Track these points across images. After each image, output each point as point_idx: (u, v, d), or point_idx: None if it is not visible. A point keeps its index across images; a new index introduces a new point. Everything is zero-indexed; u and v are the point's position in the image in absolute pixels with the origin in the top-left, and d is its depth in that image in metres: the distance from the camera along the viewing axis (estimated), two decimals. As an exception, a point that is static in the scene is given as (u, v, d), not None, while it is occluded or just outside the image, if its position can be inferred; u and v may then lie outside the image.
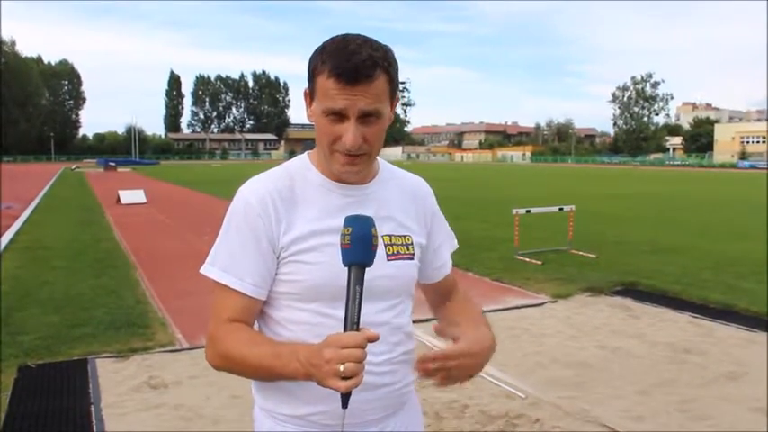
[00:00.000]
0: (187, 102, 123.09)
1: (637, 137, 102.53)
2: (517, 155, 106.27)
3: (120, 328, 5.68)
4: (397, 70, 1.32)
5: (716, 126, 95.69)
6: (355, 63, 1.21)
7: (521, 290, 7.40)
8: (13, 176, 38.26)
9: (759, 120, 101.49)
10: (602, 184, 31.97)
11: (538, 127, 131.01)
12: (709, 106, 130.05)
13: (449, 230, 1.59)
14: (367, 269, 1.17)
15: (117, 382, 4.44)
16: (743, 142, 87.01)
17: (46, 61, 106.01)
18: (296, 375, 1.19)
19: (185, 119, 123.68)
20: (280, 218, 1.33)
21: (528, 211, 10.46)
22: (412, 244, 1.43)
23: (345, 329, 1.13)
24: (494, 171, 54.91)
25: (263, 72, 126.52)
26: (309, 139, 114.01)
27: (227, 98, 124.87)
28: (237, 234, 1.35)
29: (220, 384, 4.35)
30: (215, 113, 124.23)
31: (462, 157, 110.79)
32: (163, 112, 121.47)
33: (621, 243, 10.95)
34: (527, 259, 9.17)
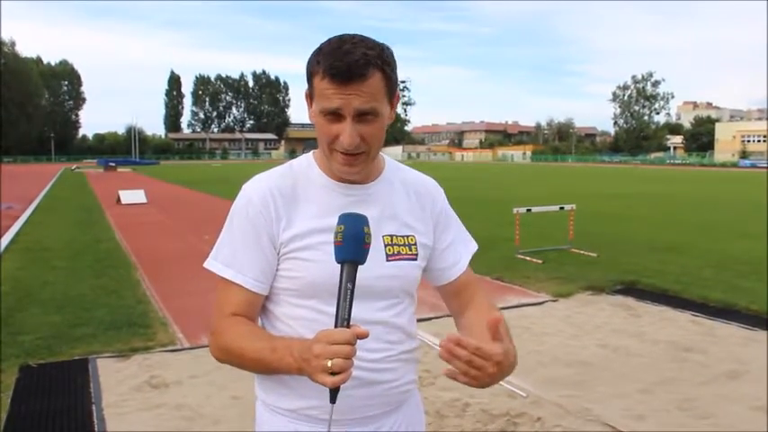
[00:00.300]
0: (187, 102, 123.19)
1: (637, 136, 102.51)
2: (518, 154, 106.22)
3: (121, 327, 5.68)
4: (395, 68, 1.31)
5: (716, 125, 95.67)
6: (348, 62, 1.22)
7: (521, 289, 7.40)
8: (14, 177, 38.28)
9: (760, 119, 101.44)
10: (603, 183, 31.97)
11: (538, 126, 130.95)
12: (709, 105, 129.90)
13: (462, 232, 1.56)
14: (366, 269, 1.18)
15: (118, 382, 4.45)
16: (743, 141, 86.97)
17: (45, 62, 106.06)
18: (289, 370, 1.21)
19: (185, 119, 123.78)
20: (280, 215, 1.35)
21: (528, 210, 10.46)
22: (415, 244, 1.43)
23: (336, 326, 1.14)
24: (494, 170, 54.91)
25: (263, 72, 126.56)
26: (310, 139, 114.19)
27: (228, 98, 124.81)
28: (239, 230, 1.38)
29: (221, 384, 4.36)
30: (215, 113, 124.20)
31: (463, 156, 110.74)
32: (163, 112, 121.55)
33: (622, 242, 10.96)
34: (528, 258, 9.17)
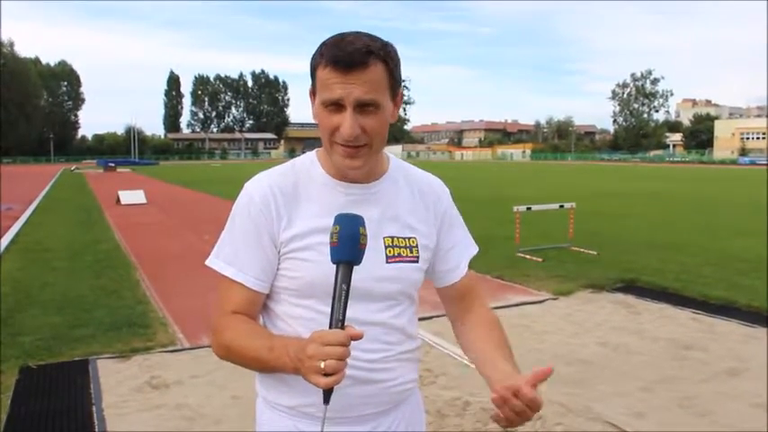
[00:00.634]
0: (186, 102, 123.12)
1: (636, 133, 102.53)
2: (517, 152, 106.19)
3: (121, 328, 5.68)
4: (398, 65, 1.31)
5: (716, 122, 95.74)
6: (350, 51, 1.22)
7: (522, 287, 7.40)
8: (13, 178, 38.27)
9: (759, 116, 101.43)
10: (603, 182, 31.97)
11: (538, 124, 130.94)
12: (708, 102, 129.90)
13: (465, 234, 1.55)
14: (365, 270, 1.17)
15: (118, 383, 4.44)
16: (743, 138, 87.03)
17: (45, 62, 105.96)
18: (285, 369, 1.21)
19: (185, 119, 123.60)
20: (281, 214, 1.35)
21: (528, 209, 10.46)
22: (416, 246, 1.42)
23: (330, 327, 1.13)
24: (494, 169, 54.90)
25: (262, 71, 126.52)
26: (309, 138, 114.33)
27: (227, 98, 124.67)
28: (241, 228, 1.37)
29: (221, 384, 4.36)
30: (214, 113, 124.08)
31: (462, 154, 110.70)
32: (162, 112, 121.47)
33: (622, 240, 10.95)
34: (528, 256, 9.17)
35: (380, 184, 1.41)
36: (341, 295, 1.14)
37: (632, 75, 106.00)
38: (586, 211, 13.68)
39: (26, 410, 4.04)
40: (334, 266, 1.17)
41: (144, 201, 19.14)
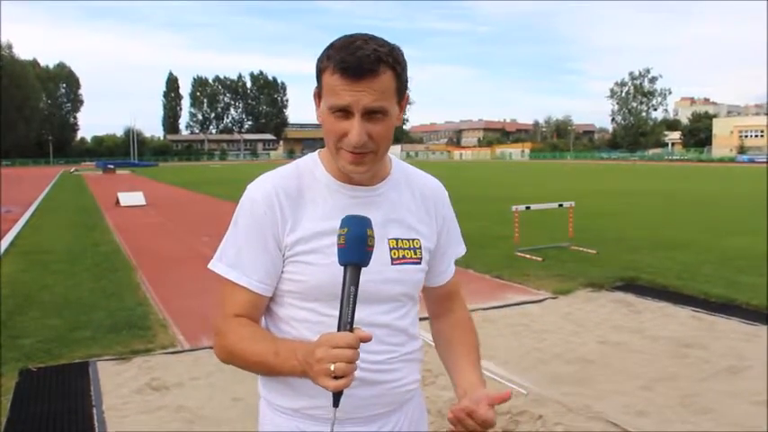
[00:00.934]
0: (185, 103, 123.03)
1: (635, 132, 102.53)
2: (516, 152, 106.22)
3: (121, 330, 5.67)
4: (405, 69, 1.30)
5: (714, 120, 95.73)
6: (359, 57, 1.21)
7: (521, 286, 7.39)
8: (12, 180, 38.23)
9: (757, 114, 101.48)
10: (602, 180, 31.98)
11: (536, 124, 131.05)
12: (707, 101, 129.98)
13: (459, 237, 1.57)
14: (371, 272, 1.17)
15: (118, 385, 4.44)
16: (741, 136, 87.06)
17: (43, 64, 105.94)
18: (293, 372, 1.21)
19: (184, 120, 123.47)
20: (285, 217, 1.34)
21: (527, 208, 10.46)
22: (420, 248, 1.42)
23: (339, 329, 1.13)
24: (493, 168, 54.91)
25: (261, 72, 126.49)
26: (308, 139, 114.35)
27: (226, 99, 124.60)
28: (244, 231, 1.36)
29: (222, 386, 4.35)
30: (213, 114, 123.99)
31: (461, 154, 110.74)
32: (161, 113, 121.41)
33: (622, 239, 10.95)
34: (527, 256, 9.16)
35: (384, 186, 1.41)
36: (349, 297, 1.13)
37: (630, 73, 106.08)
38: (586, 210, 13.68)
39: (26, 413, 4.03)
40: (340, 269, 1.17)
41: (143, 202, 19.13)
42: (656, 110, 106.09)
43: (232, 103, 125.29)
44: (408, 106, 1.39)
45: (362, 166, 1.30)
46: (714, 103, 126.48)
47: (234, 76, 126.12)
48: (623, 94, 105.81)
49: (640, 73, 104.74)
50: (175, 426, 3.80)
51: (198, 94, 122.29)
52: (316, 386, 1.18)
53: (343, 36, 1.28)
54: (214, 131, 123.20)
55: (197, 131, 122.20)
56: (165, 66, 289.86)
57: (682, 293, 6.90)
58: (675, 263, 8.61)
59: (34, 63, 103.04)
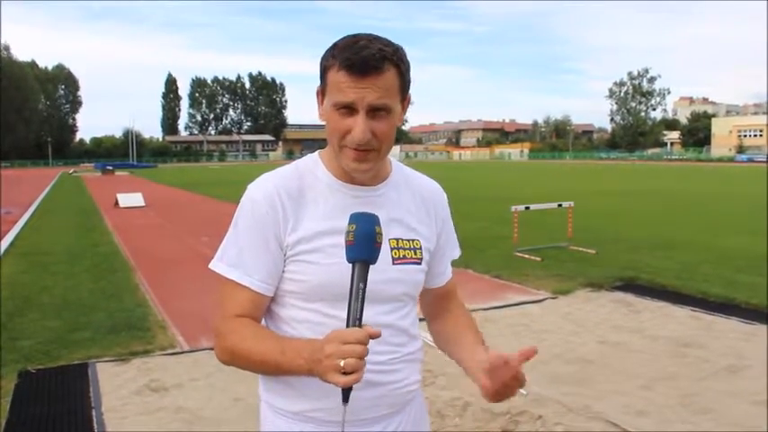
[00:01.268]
0: (184, 104, 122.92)
1: (634, 132, 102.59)
2: (515, 152, 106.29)
3: (121, 331, 5.67)
4: (408, 69, 1.32)
5: (713, 120, 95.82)
6: (365, 55, 1.22)
7: (521, 286, 7.39)
8: (11, 181, 38.20)
9: (756, 113, 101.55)
10: (601, 180, 32.00)
11: (535, 124, 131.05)
12: (705, 100, 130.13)
13: (455, 239, 1.59)
14: (373, 272, 1.17)
15: (117, 386, 4.43)
16: (740, 136, 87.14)
17: (42, 66, 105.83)
18: (300, 371, 1.20)
19: (182, 121, 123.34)
20: (287, 216, 1.34)
21: (527, 208, 10.45)
22: (420, 248, 1.43)
23: (348, 326, 1.13)
24: (492, 168, 54.92)
25: (260, 73, 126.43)
26: (307, 140, 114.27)
27: (224, 100, 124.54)
28: (245, 231, 1.36)
29: (221, 387, 4.35)
30: (212, 115, 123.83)
31: (460, 154, 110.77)
32: (160, 114, 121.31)
33: (621, 239, 10.95)
34: (526, 256, 9.16)
35: (385, 186, 1.41)
36: (358, 294, 1.14)
37: (629, 73, 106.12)
38: (585, 210, 13.68)
39: (25, 415, 4.03)
40: (341, 268, 1.18)
41: (142, 204, 19.11)
42: (654, 110, 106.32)
43: (231, 103, 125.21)
44: (408, 107, 1.39)
45: (365, 163, 1.30)
46: (713, 103, 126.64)
47: (233, 77, 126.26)
48: (622, 94, 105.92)
49: (639, 73, 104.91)
50: (175, 427, 3.80)
51: (197, 95, 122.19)
52: (316, 388, 1.17)
53: (348, 35, 1.29)
54: (213, 132, 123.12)
55: (196, 132, 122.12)
56: (163, 67, 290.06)
57: (681, 293, 6.90)
58: (675, 262, 8.61)
59: (33, 64, 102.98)
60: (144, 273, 8.48)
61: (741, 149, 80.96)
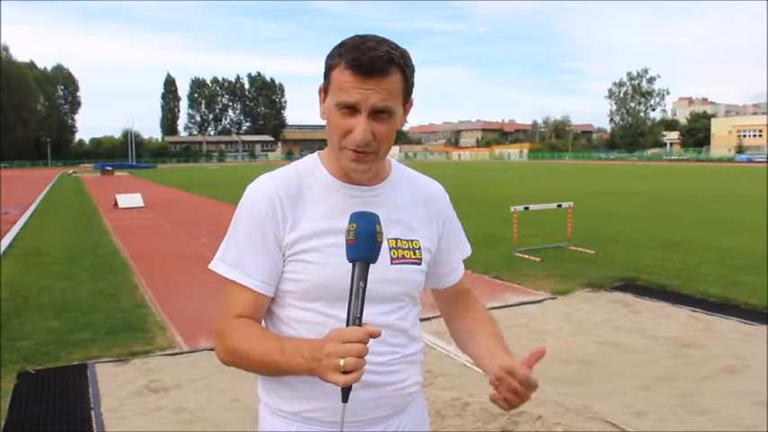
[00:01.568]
0: (183, 105, 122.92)
1: (633, 132, 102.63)
2: (514, 152, 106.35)
3: (120, 332, 5.66)
4: (413, 73, 1.32)
5: (712, 120, 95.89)
6: (372, 56, 1.23)
7: (520, 287, 7.39)
8: (10, 182, 38.18)
9: (755, 113, 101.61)
10: (600, 181, 32.00)
11: (535, 124, 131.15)
12: (705, 101, 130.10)
13: (463, 237, 1.58)
14: (370, 273, 1.17)
15: (117, 387, 4.43)
16: (740, 136, 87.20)
17: (41, 66, 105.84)
18: (299, 371, 1.20)
19: (182, 122, 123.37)
20: (286, 216, 1.34)
21: (526, 208, 10.46)
22: (419, 249, 1.42)
23: (348, 324, 1.13)
24: (491, 169, 54.93)
25: (259, 74, 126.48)
26: (306, 140, 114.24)
27: (224, 100, 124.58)
28: (245, 231, 1.36)
29: (220, 387, 4.35)
30: (211, 116, 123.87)
31: (459, 155, 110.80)
32: (159, 115, 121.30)
33: (620, 239, 10.96)
34: (526, 256, 9.17)
35: (383, 186, 1.41)
36: (358, 292, 1.14)
37: (628, 73, 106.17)
38: (584, 211, 13.69)
39: (24, 415, 4.03)
40: (340, 268, 1.18)
41: (141, 204, 19.11)
42: (654, 110, 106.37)
43: (230, 104, 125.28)
44: (407, 107, 1.39)
45: (364, 164, 1.31)
46: (712, 103, 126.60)
47: (232, 78, 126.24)
48: (621, 95, 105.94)
49: (638, 73, 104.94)
50: (174, 427, 3.80)
51: (196, 95, 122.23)
52: (315, 389, 1.17)
53: (355, 36, 1.29)
54: (212, 133, 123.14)
55: (195, 133, 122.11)
56: (163, 67, 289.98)
57: (680, 293, 6.90)
58: (674, 263, 8.62)
59: (31, 65, 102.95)
60: (143, 273, 8.47)
61: (741, 150, 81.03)
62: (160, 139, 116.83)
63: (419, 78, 1.35)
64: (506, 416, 3.82)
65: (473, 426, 3.75)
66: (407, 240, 1.41)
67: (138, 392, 4.32)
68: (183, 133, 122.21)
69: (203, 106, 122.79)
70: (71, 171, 59.20)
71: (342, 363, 1.08)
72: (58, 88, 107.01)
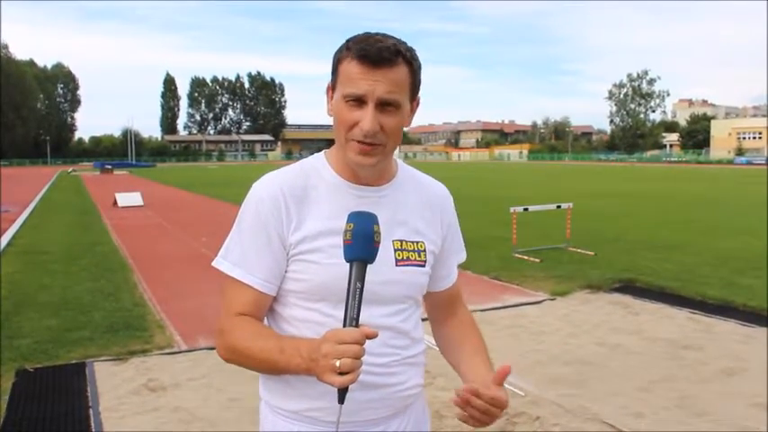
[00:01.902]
0: (183, 104, 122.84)
1: (633, 134, 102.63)
2: (514, 153, 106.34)
3: (118, 331, 5.66)
4: (420, 69, 1.33)
5: (712, 122, 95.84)
6: (379, 47, 1.24)
7: (519, 288, 7.39)
8: (10, 180, 38.15)
9: (755, 115, 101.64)
10: (600, 182, 32.00)
11: (535, 125, 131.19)
12: (705, 102, 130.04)
13: (461, 243, 1.58)
14: (375, 273, 1.17)
15: (115, 386, 4.43)
16: (739, 138, 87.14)
17: (42, 65, 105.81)
18: (298, 370, 1.20)
19: (181, 121, 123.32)
20: (291, 216, 1.34)
21: (525, 209, 10.46)
22: (424, 251, 1.42)
23: (345, 326, 1.12)
24: (491, 169, 54.93)
25: (259, 73, 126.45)
26: (306, 140, 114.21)
27: (224, 99, 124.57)
28: (250, 229, 1.36)
29: (219, 387, 4.35)
30: (211, 115, 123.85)
31: (459, 155, 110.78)
32: (159, 114, 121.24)
33: (620, 240, 10.96)
34: (525, 257, 9.17)
35: (390, 187, 1.41)
36: (355, 293, 1.13)
37: (629, 75, 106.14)
38: (584, 212, 13.69)
39: (23, 414, 4.02)
40: (344, 268, 1.17)
41: (141, 203, 19.10)
42: (654, 111, 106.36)
43: (230, 103, 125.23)
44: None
45: (371, 158, 1.30)
46: (712, 105, 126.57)
47: (232, 77, 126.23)
48: (621, 96, 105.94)
49: (638, 75, 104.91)
50: (172, 426, 3.80)
51: (196, 94, 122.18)
52: (316, 388, 1.17)
53: (363, 32, 1.30)
54: (212, 132, 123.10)
55: (195, 132, 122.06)
56: (163, 66, 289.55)
57: (679, 295, 6.90)
58: (673, 264, 8.62)
59: (31, 63, 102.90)
60: (142, 272, 8.47)
61: (740, 152, 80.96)
62: (160, 138, 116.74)
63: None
64: (504, 417, 3.82)
65: (471, 426, 3.74)
66: (413, 242, 1.40)
67: (137, 391, 4.32)
68: (182, 132, 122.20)
69: (203, 105, 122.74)
70: (70, 169, 59.20)
71: (338, 364, 1.08)
72: (58, 87, 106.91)
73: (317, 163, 1.42)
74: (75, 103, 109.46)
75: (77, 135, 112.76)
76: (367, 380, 1.30)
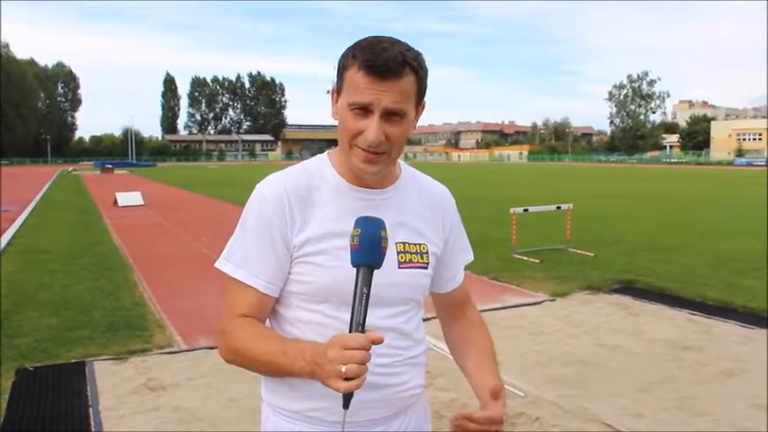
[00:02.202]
0: (183, 103, 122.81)
1: (633, 135, 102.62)
2: (514, 154, 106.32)
3: (118, 330, 5.66)
4: (426, 75, 1.32)
5: (712, 123, 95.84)
6: (386, 58, 1.22)
7: (519, 289, 7.40)
8: (10, 179, 38.13)
9: (755, 117, 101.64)
10: (600, 183, 32.00)
11: (535, 126, 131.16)
12: (705, 104, 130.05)
13: (466, 243, 1.58)
14: (378, 275, 1.17)
15: (115, 385, 4.43)
16: (739, 139, 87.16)
17: (42, 64, 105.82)
18: (301, 374, 1.20)
19: (182, 120, 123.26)
20: (294, 217, 1.33)
21: (525, 210, 10.46)
22: (427, 253, 1.42)
23: (351, 331, 1.12)
24: (491, 170, 54.93)
25: (259, 73, 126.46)
26: (306, 140, 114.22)
27: (224, 99, 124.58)
28: (253, 231, 1.35)
29: (218, 386, 4.35)
30: (212, 115, 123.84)
31: (459, 156, 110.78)
32: (159, 113, 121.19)
33: (619, 241, 10.96)
34: (525, 258, 9.17)
35: (393, 189, 1.41)
36: (362, 299, 1.13)
37: (629, 76, 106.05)
38: (584, 213, 13.70)
39: (23, 413, 4.02)
40: (347, 271, 1.17)
41: (141, 202, 19.09)
42: (654, 113, 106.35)
43: (230, 103, 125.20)
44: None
45: (375, 166, 1.30)
46: (712, 106, 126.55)
47: (232, 77, 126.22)
48: (621, 97, 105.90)
49: (639, 76, 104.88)
50: (172, 426, 3.80)
51: (196, 94, 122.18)
52: (318, 388, 1.17)
53: (370, 36, 1.29)
54: (212, 132, 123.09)
55: (195, 132, 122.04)
56: (163, 66, 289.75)
57: (679, 296, 6.91)
58: (673, 265, 8.62)
59: (32, 62, 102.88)
60: (142, 271, 8.47)
61: (740, 153, 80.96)
62: (160, 138, 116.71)
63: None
64: (504, 417, 3.82)
65: (471, 427, 3.74)
66: (415, 244, 1.40)
67: (137, 391, 4.32)
68: (183, 132, 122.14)
69: (203, 105, 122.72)
70: (71, 169, 59.21)
71: (344, 369, 1.08)
72: (59, 86, 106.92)
73: (321, 164, 1.41)
74: (75, 102, 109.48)
75: (78, 134, 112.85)
76: (369, 380, 1.29)
